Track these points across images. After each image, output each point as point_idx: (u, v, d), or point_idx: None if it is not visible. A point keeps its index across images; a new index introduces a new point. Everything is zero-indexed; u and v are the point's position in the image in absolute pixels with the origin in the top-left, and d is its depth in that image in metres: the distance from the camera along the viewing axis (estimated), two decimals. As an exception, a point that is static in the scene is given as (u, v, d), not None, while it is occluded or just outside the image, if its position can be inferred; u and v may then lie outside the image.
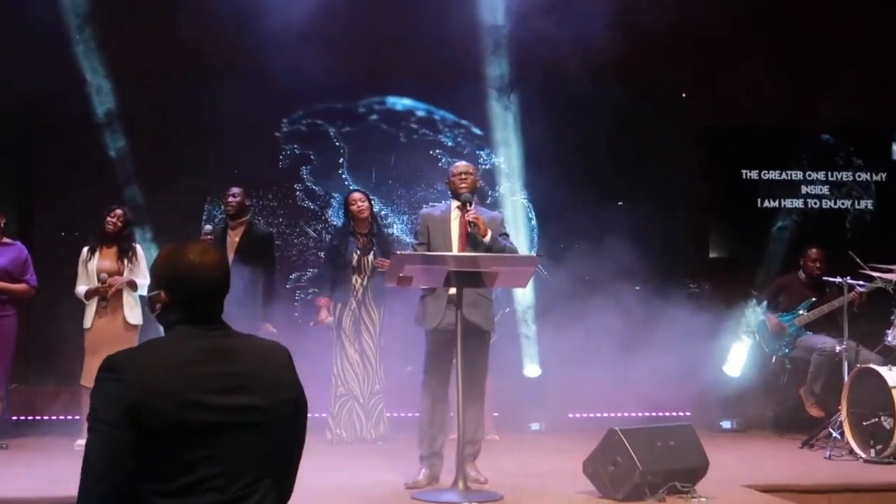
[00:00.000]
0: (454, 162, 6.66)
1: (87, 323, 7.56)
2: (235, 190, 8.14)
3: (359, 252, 7.91)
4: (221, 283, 2.57)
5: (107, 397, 2.34)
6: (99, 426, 2.33)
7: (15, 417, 8.31)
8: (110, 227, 7.67)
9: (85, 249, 7.71)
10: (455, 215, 6.13)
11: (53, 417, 8.30)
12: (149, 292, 2.61)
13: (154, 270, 2.59)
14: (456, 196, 6.14)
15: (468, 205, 5.97)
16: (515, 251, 6.25)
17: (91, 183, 8.84)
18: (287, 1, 8.17)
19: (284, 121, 9.56)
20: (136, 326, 7.62)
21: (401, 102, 9.69)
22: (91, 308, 7.57)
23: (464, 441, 5.66)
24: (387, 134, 9.65)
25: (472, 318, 5.86)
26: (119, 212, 7.73)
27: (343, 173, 9.59)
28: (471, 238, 5.99)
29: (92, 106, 8.95)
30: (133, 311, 7.63)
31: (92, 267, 7.61)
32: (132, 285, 7.61)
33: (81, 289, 7.60)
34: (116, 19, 8.76)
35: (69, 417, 7.94)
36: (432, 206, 6.70)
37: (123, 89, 8.97)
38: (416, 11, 8.84)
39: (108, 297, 7.53)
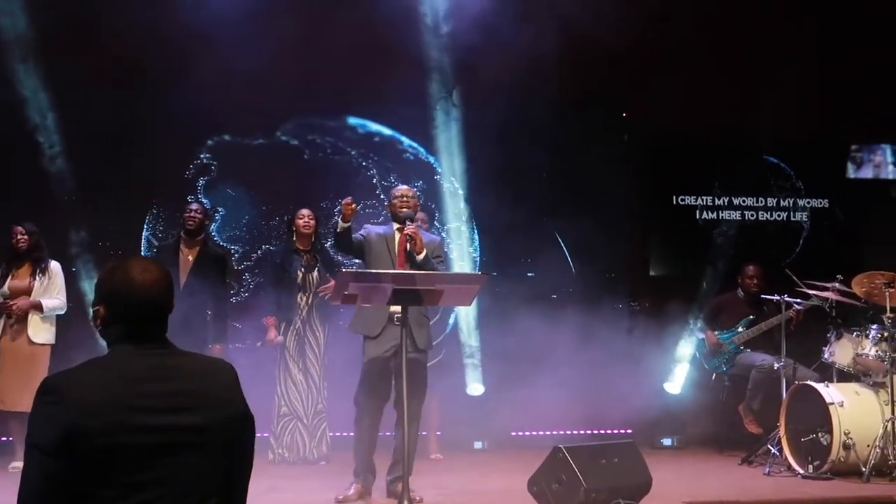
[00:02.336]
0: (396, 184, 6.74)
1: None
2: (196, 206, 7.97)
3: (303, 269, 7.86)
4: (161, 302, 2.52)
5: (44, 421, 2.30)
6: (35, 452, 2.30)
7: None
8: (21, 246, 7.57)
9: None
10: (397, 236, 6.22)
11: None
12: (92, 307, 2.58)
13: (96, 286, 2.57)
14: (396, 218, 6.26)
15: (408, 221, 6.08)
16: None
17: (27, 195, 8.66)
18: (222, 10, 8.10)
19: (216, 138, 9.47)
20: (44, 345, 7.52)
21: (341, 119, 9.61)
22: None
23: (409, 459, 5.66)
24: (314, 150, 9.55)
25: (416, 337, 5.96)
26: (18, 228, 7.61)
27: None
28: (408, 255, 6.05)
29: (28, 117, 8.76)
30: (38, 330, 7.52)
31: (5, 288, 7.53)
32: (38, 308, 7.49)
33: None
34: (53, 29, 8.58)
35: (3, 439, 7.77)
36: (375, 223, 6.75)
37: (60, 99, 8.79)
38: (355, 29, 8.82)
39: (12, 316, 7.44)
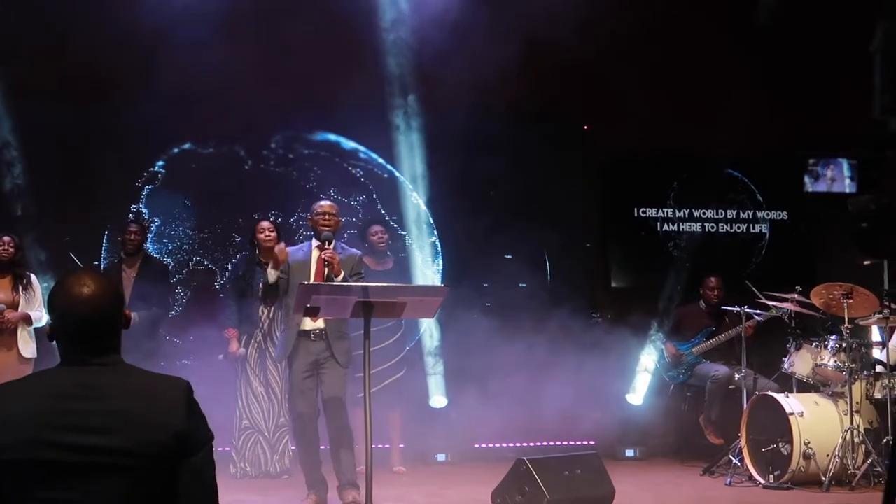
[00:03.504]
0: (320, 200, 6.81)
1: None
2: (135, 227, 8.05)
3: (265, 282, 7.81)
4: (99, 316, 2.43)
5: None
6: None
7: None
8: (4, 256, 7.43)
9: None
10: (315, 254, 6.26)
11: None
12: (49, 322, 2.55)
13: (47, 302, 2.54)
14: (317, 235, 6.28)
15: (327, 243, 6.09)
16: None
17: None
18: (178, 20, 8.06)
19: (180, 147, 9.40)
20: (29, 360, 7.39)
21: (302, 134, 9.57)
22: None
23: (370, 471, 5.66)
24: (284, 164, 9.52)
25: (336, 352, 6.16)
26: (7, 238, 7.48)
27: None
28: (327, 277, 6.04)
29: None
30: (27, 345, 7.41)
31: (3, 307, 7.33)
32: (27, 320, 7.39)
33: None
34: (12, 38, 8.48)
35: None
36: (295, 245, 6.78)
37: (19, 112, 8.69)
38: (312, 36, 8.78)
39: (2, 329, 7.30)
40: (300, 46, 8.74)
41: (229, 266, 9.02)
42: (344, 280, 6.04)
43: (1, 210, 8.60)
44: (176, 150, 9.31)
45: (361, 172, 9.62)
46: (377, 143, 9.56)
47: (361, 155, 9.68)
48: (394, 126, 9.40)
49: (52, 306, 2.48)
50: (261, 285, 7.74)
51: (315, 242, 6.28)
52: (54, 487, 2.24)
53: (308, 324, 6.08)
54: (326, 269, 6.00)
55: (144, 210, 9.11)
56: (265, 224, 7.92)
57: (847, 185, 10.27)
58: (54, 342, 2.48)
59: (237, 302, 7.90)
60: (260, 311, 7.81)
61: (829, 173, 10.19)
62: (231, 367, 7.87)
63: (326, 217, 6.26)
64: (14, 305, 7.37)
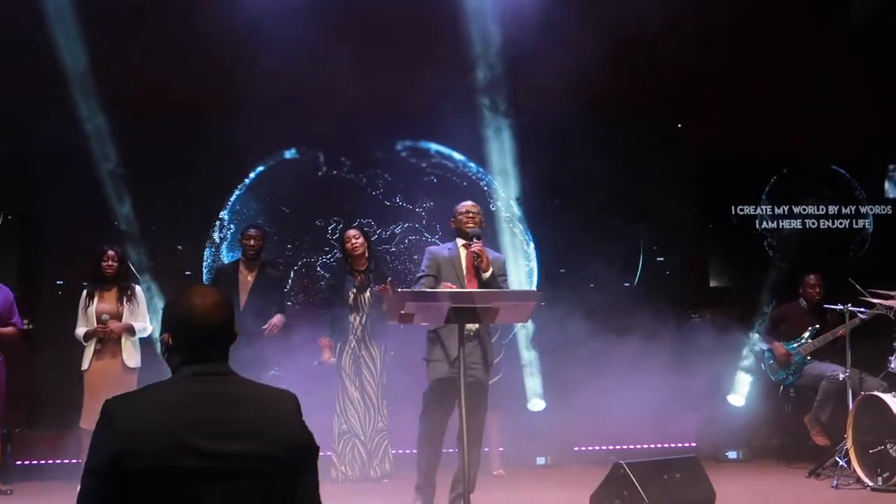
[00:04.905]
0: (462, 201, 6.55)
1: (85, 364, 7.56)
2: (254, 231, 8.15)
3: (355, 290, 7.89)
4: (222, 328, 2.54)
5: (97, 443, 2.34)
6: (86, 474, 2.34)
7: (19, 462, 8.28)
8: (109, 270, 7.67)
9: (84, 293, 7.71)
10: (463, 253, 6.18)
11: (57, 461, 8.26)
12: (160, 335, 2.62)
13: (162, 313, 2.61)
14: (462, 234, 6.21)
15: (475, 239, 6.03)
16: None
17: (93, 225, 8.85)
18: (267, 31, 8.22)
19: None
20: (134, 369, 7.62)
21: (399, 140, 9.68)
22: (89, 350, 7.58)
23: (471, 476, 5.66)
24: (384, 172, 9.62)
25: (485, 354, 5.99)
26: (111, 252, 7.73)
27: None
28: (476, 272, 6.02)
29: (93, 146, 8.94)
30: (131, 355, 7.63)
31: (91, 311, 7.60)
32: (130, 331, 7.62)
33: (80, 331, 7.61)
34: (114, 52, 8.75)
35: (73, 461, 7.92)
36: (436, 245, 6.68)
37: (123, 129, 8.96)
38: (411, 45, 8.87)
39: (105, 339, 7.52)
40: (387, 48, 8.84)
41: (319, 271, 9.17)
42: (492, 276, 6.02)
43: (105, 222, 8.89)
44: (270, 160, 9.51)
45: (451, 175, 9.68)
46: (466, 144, 9.59)
47: (451, 156, 9.73)
48: (484, 126, 9.42)
49: (171, 318, 2.54)
50: (351, 293, 7.86)
51: (460, 241, 6.22)
52: (190, 493, 2.30)
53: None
54: (476, 262, 5.98)
55: (225, 216, 9.32)
56: (352, 232, 8.01)
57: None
58: (163, 352, 2.57)
59: (329, 311, 8.01)
60: (352, 319, 7.88)
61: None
62: (328, 372, 7.98)
63: (470, 215, 6.21)
64: (119, 316, 7.61)
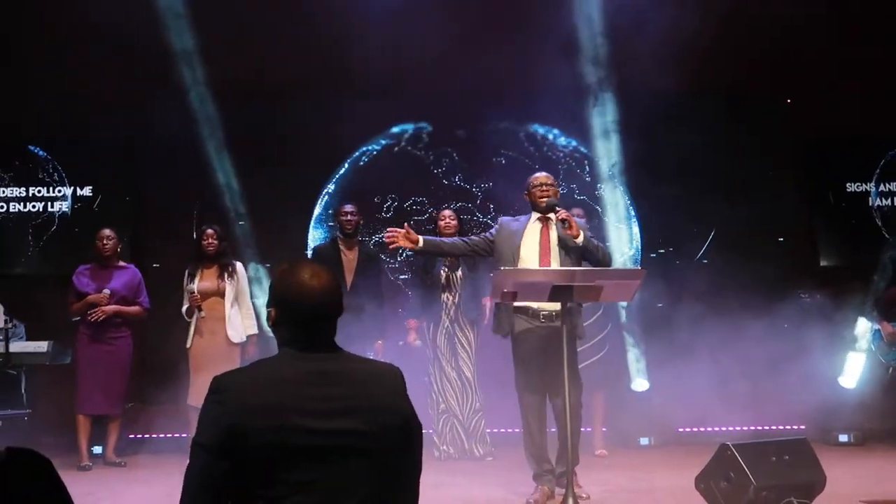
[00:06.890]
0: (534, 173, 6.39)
1: (189, 342, 7.75)
2: (350, 207, 8.10)
3: (447, 269, 7.90)
4: (330, 306, 2.55)
5: (208, 419, 2.38)
6: (197, 449, 2.37)
7: (132, 436, 8.54)
8: (210, 248, 7.83)
9: (186, 271, 7.89)
10: (534, 227, 6.06)
11: (168, 435, 8.50)
12: (266, 307, 2.64)
13: (270, 288, 2.63)
14: (536, 207, 6.08)
15: (556, 209, 5.91)
16: (608, 251, 6.14)
17: (199, 204, 9.10)
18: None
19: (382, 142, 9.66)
20: (237, 344, 7.77)
21: (501, 120, 9.65)
22: (192, 327, 7.75)
23: (573, 451, 5.62)
24: (483, 153, 9.62)
25: (574, 328, 5.84)
26: (210, 231, 7.89)
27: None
28: (562, 241, 5.91)
29: (199, 129, 9.15)
30: (235, 330, 7.78)
31: (194, 289, 7.77)
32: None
33: (184, 309, 7.81)
34: (220, 35, 8.91)
35: (183, 435, 8.14)
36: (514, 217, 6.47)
37: (221, 109, 9.16)
38: (510, 28, 8.83)
39: (200, 309, 7.67)
40: (488, 31, 8.82)
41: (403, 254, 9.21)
42: (587, 240, 5.85)
43: (207, 203, 9.12)
44: (374, 142, 9.58)
45: (560, 156, 9.63)
46: (571, 125, 9.52)
47: (555, 138, 9.67)
48: (589, 106, 9.33)
49: (280, 296, 2.55)
50: (443, 271, 7.85)
51: (535, 215, 6.09)
52: (298, 469, 2.33)
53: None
54: (563, 229, 5.83)
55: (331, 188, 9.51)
56: (446, 212, 8.01)
57: None
58: (270, 328, 2.59)
59: (420, 291, 8.01)
60: (445, 298, 7.88)
61: None
62: (419, 352, 7.99)
63: (544, 188, 6.03)
64: (220, 293, 7.78)
